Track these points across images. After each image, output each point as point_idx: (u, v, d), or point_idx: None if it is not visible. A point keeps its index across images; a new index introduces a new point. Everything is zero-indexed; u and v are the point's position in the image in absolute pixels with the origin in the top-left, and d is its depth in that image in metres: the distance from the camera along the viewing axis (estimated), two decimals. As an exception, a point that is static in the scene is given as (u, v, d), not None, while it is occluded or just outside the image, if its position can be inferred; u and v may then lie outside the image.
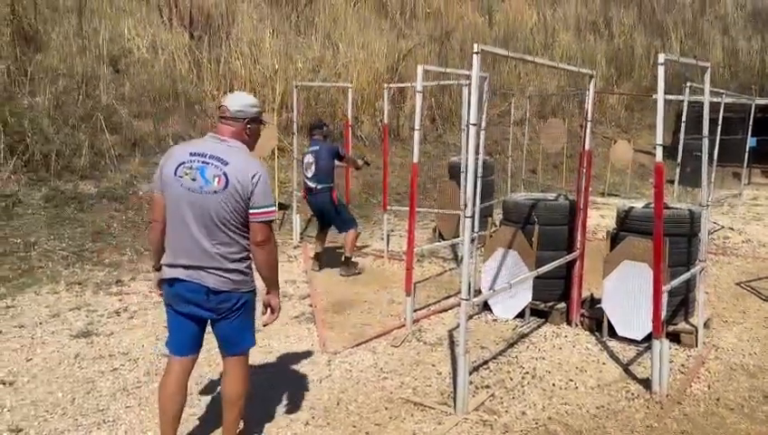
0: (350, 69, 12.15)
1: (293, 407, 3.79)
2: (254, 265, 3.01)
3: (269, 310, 3.11)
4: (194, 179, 2.83)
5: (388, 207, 7.97)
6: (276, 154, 8.81)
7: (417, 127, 5.31)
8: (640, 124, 17.32)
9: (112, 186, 8.30)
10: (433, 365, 4.48)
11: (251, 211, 2.85)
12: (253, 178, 2.83)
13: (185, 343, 3.06)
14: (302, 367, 4.39)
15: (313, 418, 3.66)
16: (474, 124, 3.68)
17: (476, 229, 6.01)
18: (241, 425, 3.29)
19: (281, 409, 3.77)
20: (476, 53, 3.53)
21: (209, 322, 3.03)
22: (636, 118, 17.75)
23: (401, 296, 5.59)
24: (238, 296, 2.96)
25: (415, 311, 5.42)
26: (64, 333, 4.92)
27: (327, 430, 3.53)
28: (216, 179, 2.81)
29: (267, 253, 2.94)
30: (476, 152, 5.32)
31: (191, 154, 2.90)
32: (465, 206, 3.82)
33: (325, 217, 6.93)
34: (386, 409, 3.79)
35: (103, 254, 7.02)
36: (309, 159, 6.72)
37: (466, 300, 3.74)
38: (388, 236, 7.86)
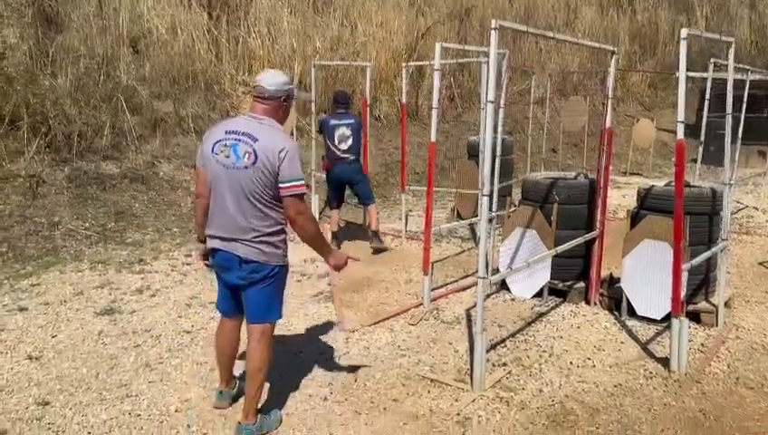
0: (368, 48, 12.06)
1: (312, 383, 3.84)
2: (288, 240, 3.22)
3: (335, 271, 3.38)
4: (227, 156, 3.03)
5: (407, 187, 7.96)
6: (295, 134, 8.82)
7: (435, 105, 5.28)
8: (664, 103, 17.01)
9: (134, 166, 8.40)
10: (450, 343, 4.50)
11: (280, 186, 3.00)
12: (280, 152, 2.97)
13: (229, 306, 3.38)
14: (321, 345, 4.44)
15: (332, 393, 3.71)
16: (491, 102, 3.64)
17: (495, 209, 6.01)
18: (264, 396, 3.44)
19: (300, 385, 3.82)
20: (495, 28, 3.49)
21: (240, 289, 3.23)
22: (659, 96, 17.42)
23: (419, 276, 5.60)
24: (270, 268, 3.13)
25: (432, 290, 5.44)
26: (88, 310, 5.02)
27: (345, 405, 3.58)
28: (247, 155, 2.98)
29: (301, 225, 3.09)
30: (494, 131, 5.28)
31: (226, 132, 3.08)
32: (483, 185, 3.81)
33: (354, 187, 6.99)
34: (403, 385, 3.83)
35: (126, 233, 7.13)
36: (345, 131, 6.74)
37: (483, 278, 3.75)
38: (406, 216, 7.85)
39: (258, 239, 3.06)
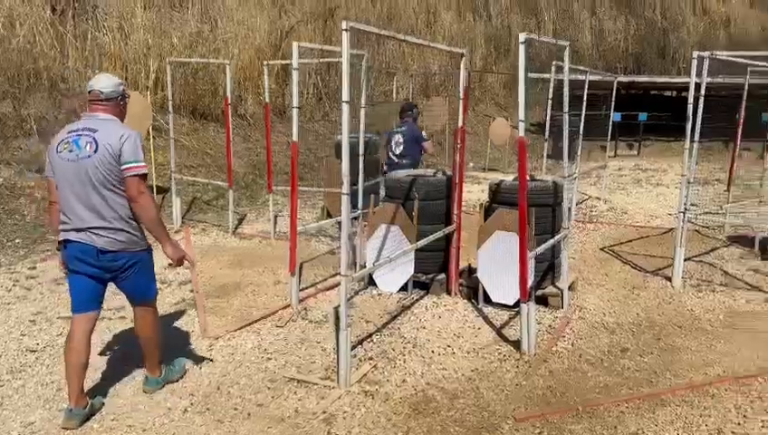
0: (230, 45, 11.77)
1: (172, 395, 3.69)
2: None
3: (172, 262, 3.48)
4: (71, 150, 3.22)
5: (275, 188, 7.87)
6: (152, 134, 8.39)
7: (295, 105, 5.26)
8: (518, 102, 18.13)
9: (-34, 173, 7.59)
10: (318, 342, 4.52)
11: (122, 167, 3.21)
12: (121, 138, 3.22)
13: (83, 300, 3.38)
14: (183, 354, 4.25)
15: (192, 405, 3.58)
16: (346, 102, 3.69)
17: (361, 206, 6.11)
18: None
19: (159, 398, 3.66)
20: (345, 30, 3.54)
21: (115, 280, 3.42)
22: (513, 96, 18.51)
23: (288, 277, 5.56)
24: (129, 256, 3.33)
25: (302, 290, 5.42)
26: None
27: (207, 415, 3.48)
28: (88, 145, 3.20)
29: (141, 206, 3.26)
30: (354, 130, 5.35)
31: (68, 132, 3.31)
32: (342, 183, 3.85)
33: None
34: (268, 389, 3.79)
35: (-42, 247, 6.43)
36: (399, 138, 7.49)
37: (346, 276, 3.79)
38: (275, 217, 7.77)
39: (112, 227, 3.24)
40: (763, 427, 3.39)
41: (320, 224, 7.46)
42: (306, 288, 5.65)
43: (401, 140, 7.50)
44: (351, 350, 3.95)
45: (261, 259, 6.66)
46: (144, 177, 3.26)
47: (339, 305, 5.13)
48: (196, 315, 4.99)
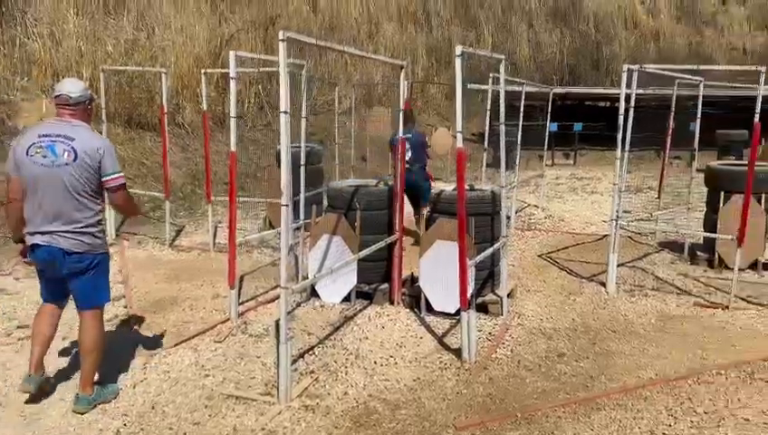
0: (167, 53, 11.50)
1: (104, 415, 3.55)
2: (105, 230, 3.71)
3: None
4: (45, 156, 3.32)
5: (214, 198, 7.71)
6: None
7: (232, 114, 5.20)
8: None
9: None
10: (258, 357, 4.43)
11: (103, 179, 3.40)
12: (98, 150, 3.38)
13: (52, 294, 3.65)
14: (115, 374, 4.09)
15: (125, 425, 3.45)
16: (284, 112, 3.65)
17: (303, 217, 6.05)
18: (96, 376, 3.71)
19: (90, 418, 3.51)
20: (282, 40, 3.51)
21: (67, 279, 3.52)
22: (453, 107, 18.82)
23: (227, 290, 5.44)
24: (92, 258, 3.47)
25: (242, 303, 5.33)
26: None
27: (141, 436, 3.35)
28: (66, 154, 3.31)
29: (126, 208, 3.81)
30: (293, 140, 5.31)
31: (39, 136, 3.37)
32: (282, 194, 3.80)
33: (417, 191, 7.50)
34: (206, 407, 3.69)
35: None
36: (406, 145, 7.48)
37: (285, 288, 3.74)
38: (215, 228, 7.61)
39: (80, 231, 3.38)
40: (691, 427, 3.52)
41: (261, 235, 7.37)
42: (246, 301, 5.55)
43: (409, 147, 7.52)
44: (292, 364, 3.89)
45: (199, 272, 6.50)
46: (125, 185, 3.54)
47: (280, 318, 5.08)
48: (128, 333, 4.81)
